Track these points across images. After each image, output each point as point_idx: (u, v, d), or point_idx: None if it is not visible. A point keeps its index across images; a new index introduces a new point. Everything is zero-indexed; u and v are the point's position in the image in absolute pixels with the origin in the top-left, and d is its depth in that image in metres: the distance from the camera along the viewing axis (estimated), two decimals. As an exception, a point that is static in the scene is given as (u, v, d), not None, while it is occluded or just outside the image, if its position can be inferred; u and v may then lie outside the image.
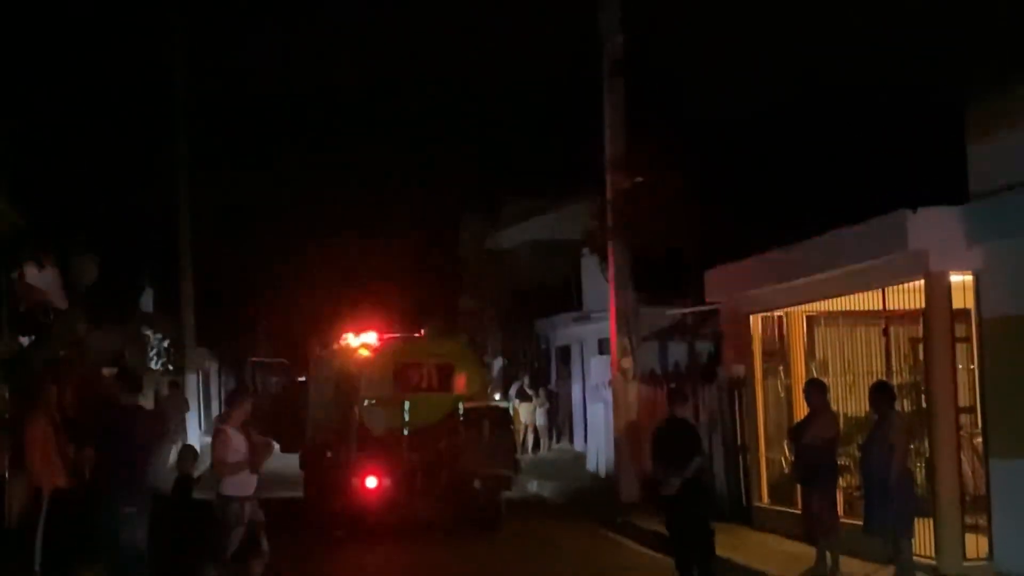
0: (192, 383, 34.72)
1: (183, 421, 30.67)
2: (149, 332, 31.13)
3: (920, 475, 13.36)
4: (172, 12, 32.26)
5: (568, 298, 32.76)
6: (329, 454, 19.85)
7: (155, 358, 30.89)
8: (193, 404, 33.91)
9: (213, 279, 38.27)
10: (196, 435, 34.06)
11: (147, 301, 34.64)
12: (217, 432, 12.55)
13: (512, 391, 32.47)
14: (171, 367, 32.49)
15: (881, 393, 12.73)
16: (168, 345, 32.46)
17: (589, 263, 28.13)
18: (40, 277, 22.42)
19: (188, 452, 14.51)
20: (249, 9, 35.65)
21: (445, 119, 41.41)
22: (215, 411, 49.60)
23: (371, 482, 18.41)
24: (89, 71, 25.25)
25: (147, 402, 22.63)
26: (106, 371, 18.86)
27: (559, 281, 34.14)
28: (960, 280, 13.41)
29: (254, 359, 51.74)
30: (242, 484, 12.19)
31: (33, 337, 19.04)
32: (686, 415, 14.70)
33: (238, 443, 12.11)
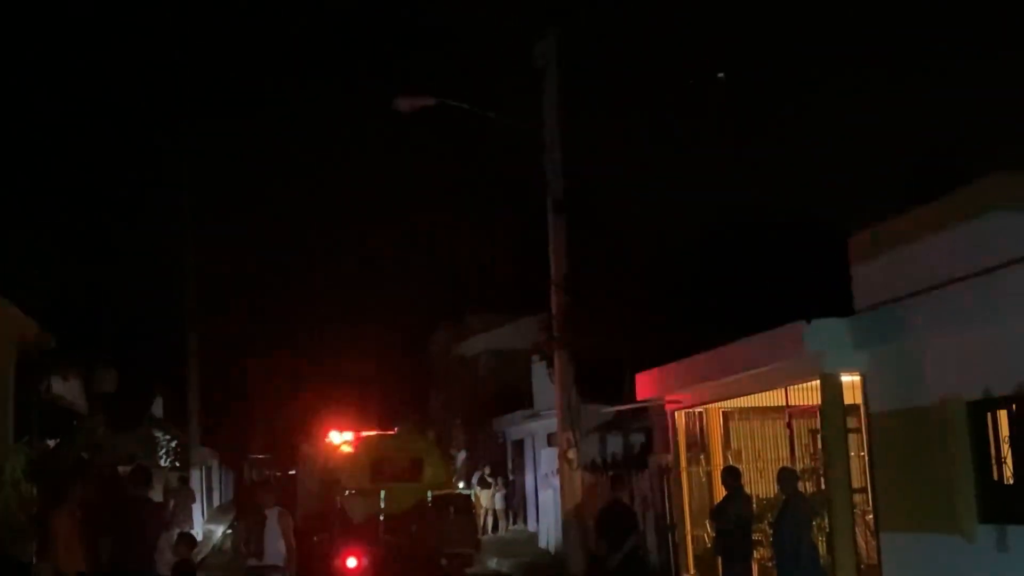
0: (196, 478, 34.30)
1: (191, 512, 30.32)
2: (159, 434, 30.83)
3: (822, 547, 13.38)
4: (182, 154, 32.43)
5: (521, 398, 32.75)
6: (315, 538, 19.62)
7: (164, 456, 30.54)
8: (197, 496, 33.45)
9: (215, 387, 38.07)
10: (200, 523, 33.55)
11: (158, 407, 34.33)
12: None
13: (474, 479, 32.26)
14: (178, 464, 32.12)
15: (787, 477, 12.80)
16: (176, 445, 32.14)
17: (538, 368, 28.24)
18: (65, 387, 22.29)
19: (185, 539, 14.26)
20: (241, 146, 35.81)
21: (417, 245, 41.72)
22: (216, 501, 48.89)
23: (351, 562, 18.21)
24: (107, 204, 25.31)
25: (156, 494, 22.34)
26: (122, 468, 18.65)
27: (514, 384, 34.15)
28: (850, 380, 13.57)
29: (250, 456, 51.24)
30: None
31: (58, 440, 18.86)
32: (624, 498, 14.71)
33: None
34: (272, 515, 12.44)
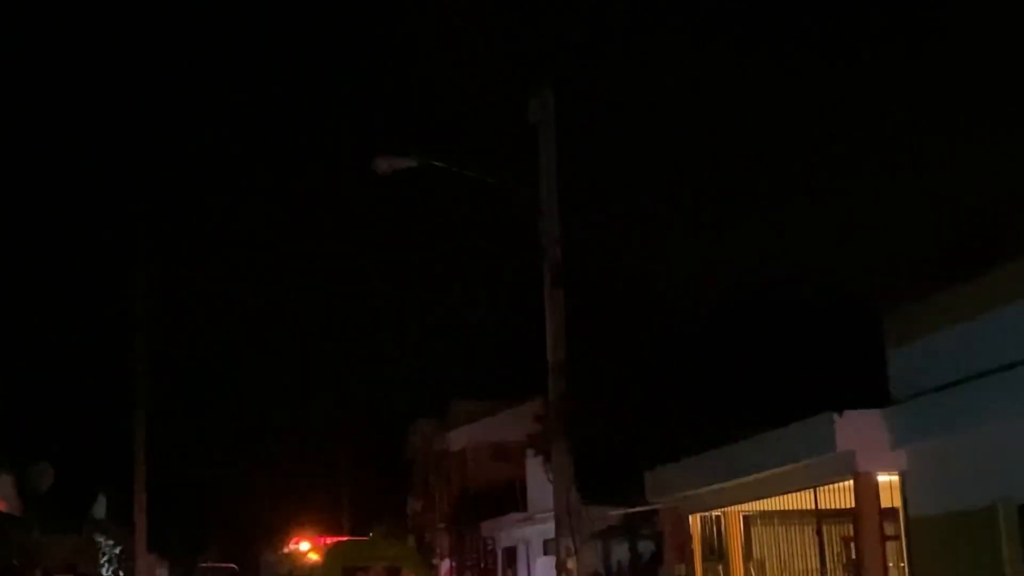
0: (143, 590, 33.88)
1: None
2: (101, 539, 30.51)
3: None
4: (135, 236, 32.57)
5: (514, 499, 32.52)
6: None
7: (107, 565, 30.20)
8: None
9: (166, 486, 37.77)
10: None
11: (100, 508, 34.02)
12: None
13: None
14: (122, 573, 31.76)
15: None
16: (120, 552, 31.78)
17: (533, 464, 28.09)
18: (-6, 486, 22.09)
19: None
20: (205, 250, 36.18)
21: (395, 325, 41.80)
22: (165, 617, 48.24)
23: None
24: (48, 287, 25.36)
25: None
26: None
27: (505, 482, 33.95)
28: (887, 480, 13.49)
29: (204, 564, 50.65)
30: None
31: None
32: None
33: None
34: None
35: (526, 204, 21.05)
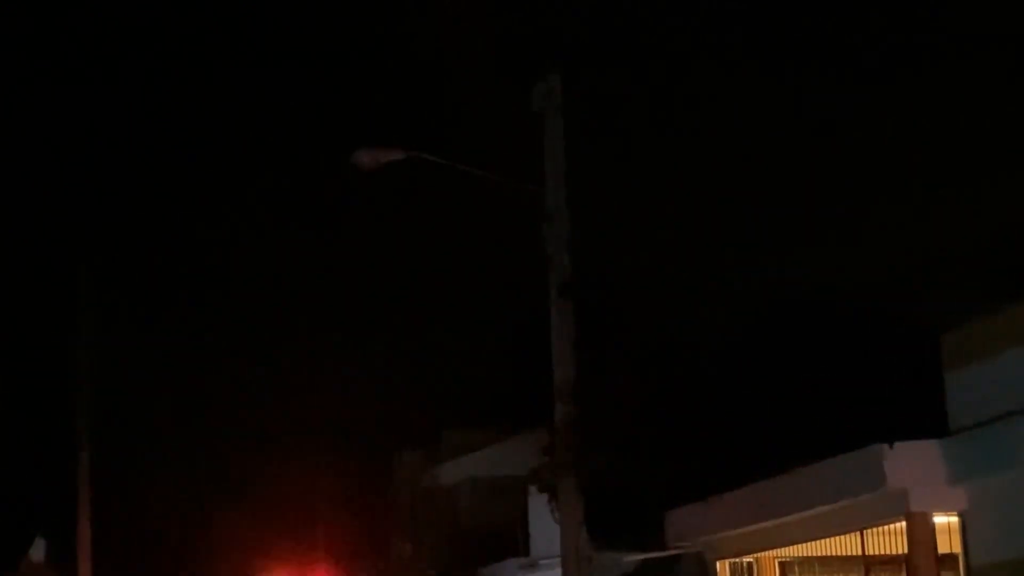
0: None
1: None
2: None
3: None
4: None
5: (514, 542, 32.51)
6: None
7: (46, 617, 30.15)
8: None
9: (115, 524, 37.77)
10: None
11: (38, 551, 33.98)
12: None
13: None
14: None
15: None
16: (61, 601, 31.77)
17: (537, 503, 28.03)
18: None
19: None
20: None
21: (379, 345, 41.84)
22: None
23: None
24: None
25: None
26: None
27: (504, 523, 33.93)
28: (945, 521, 13.49)
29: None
30: None
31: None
32: None
33: None
34: None
35: (530, 204, 21.08)
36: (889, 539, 13.92)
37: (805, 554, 16.31)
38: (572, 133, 20.69)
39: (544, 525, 26.56)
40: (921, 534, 13.37)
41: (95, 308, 33.47)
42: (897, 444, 13.18)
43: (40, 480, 31.84)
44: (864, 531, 14.27)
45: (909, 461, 13.19)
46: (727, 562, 17.52)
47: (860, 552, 14.50)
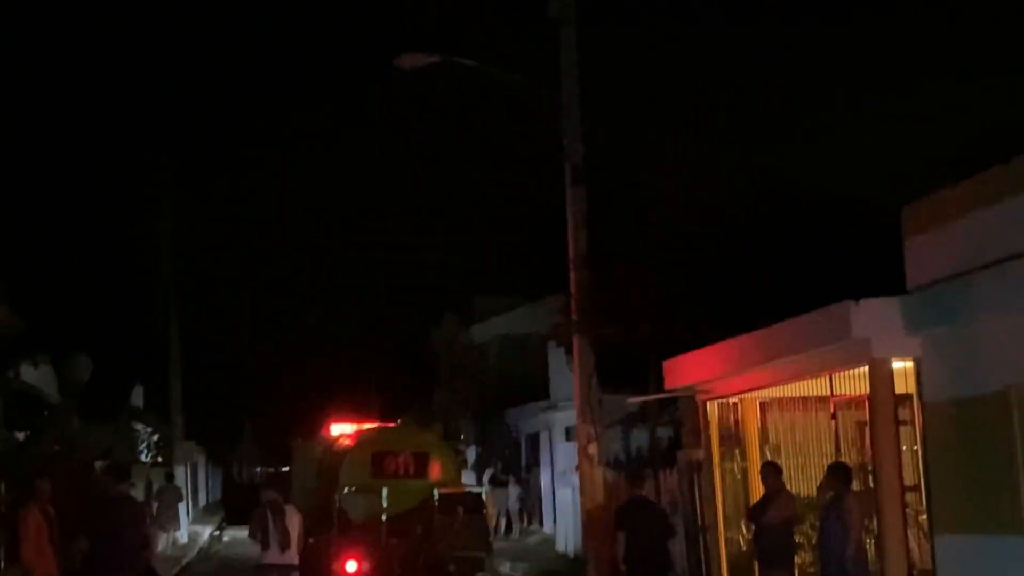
0: (181, 475, 34.38)
1: (177, 512, 30.48)
2: (139, 427, 30.88)
3: (871, 550, 13.27)
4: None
5: (536, 389, 32.70)
6: (311, 539, 19.58)
7: (145, 451, 30.62)
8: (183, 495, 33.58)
9: (201, 375, 38.15)
10: (185, 524, 33.64)
11: (137, 398, 34.44)
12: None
13: (485, 477, 32.24)
14: (160, 459, 32.20)
15: (838, 474, 12.69)
16: (157, 439, 32.21)
17: (556, 355, 28.16)
18: (35, 375, 22.29)
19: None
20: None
21: (420, 223, 41.73)
22: (203, 501, 49.09)
23: (351, 566, 18.19)
24: (81, 181, 25.35)
25: (138, 493, 22.34)
26: (97, 464, 18.65)
27: (528, 373, 34.11)
28: (902, 366, 13.43)
29: (239, 451, 51.39)
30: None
31: (28, 432, 18.86)
32: (647, 494, 14.75)
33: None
34: (290, 511, 12.68)
35: (548, 103, 20.82)
36: (853, 382, 13.88)
37: (782, 395, 16.29)
38: (585, 35, 20.37)
39: (561, 374, 26.75)
40: (881, 377, 13.31)
41: (176, 192, 33.47)
42: (862, 300, 13.08)
43: (138, 339, 32.07)
44: (832, 375, 14.21)
45: (872, 315, 13.09)
46: (715, 402, 17.52)
47: (829, 393, 14.47)
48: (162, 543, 27.67)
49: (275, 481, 21.37)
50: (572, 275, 21.08)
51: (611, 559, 19.42)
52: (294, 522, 12.72)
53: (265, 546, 12.32)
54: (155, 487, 29.39)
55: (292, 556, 12.66)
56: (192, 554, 30.52)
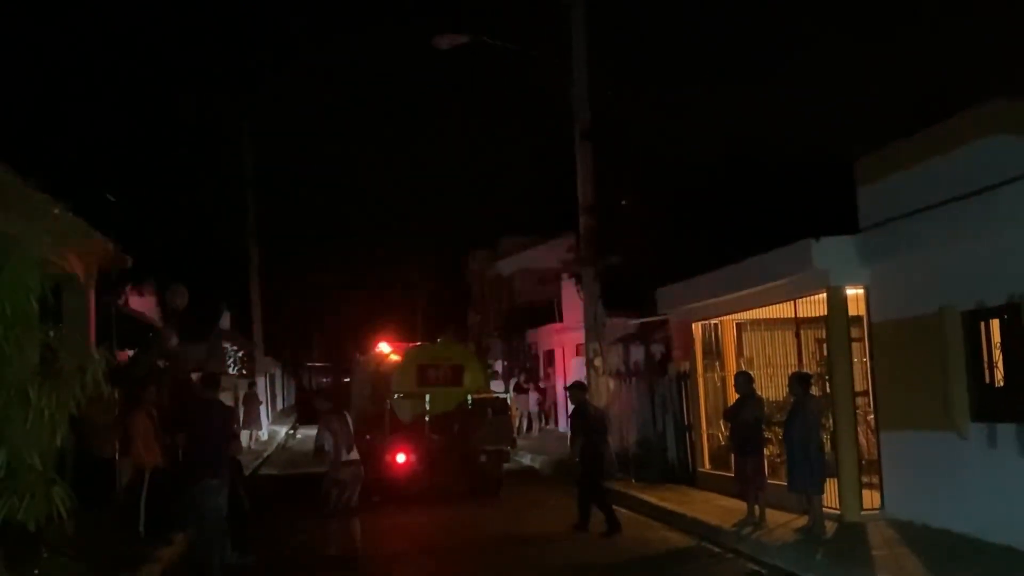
0: (261, 385, 34.70)
1: (259, 414, 30.87)
2: (227, 345, 31.12)
3: (827, 444, 13.35)
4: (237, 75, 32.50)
5: (552, 313, 32.78)
6: (368, 437, 19.79)
7: (232, 365, 30.89)
8: (263, 400, 33.94)
9: (277, 300, 38.37)
10: (265, 424, 34.04)
11: (225, 321, 34.69)
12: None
13: (510, 385, 32.44)
14: (244, 372, 32.48)
15: (800, 380, 12.75)
16: (242, 355, 32.45)
17: (568, 286, 28.16)
18: (141, 303, 22.46)
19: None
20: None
21: (459, 174, 41.60)
22: (280, 406, 49.58)
23: (401, 458, 18.37)
24: (178, 144, 25.28)
25: (226, 398, 22.57)
26: (193, 375, 18.84)
27: (545, 300, 34.18)
28: (854, 292, 13.42)
29: (309, 364, 51.64)
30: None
31: (136, 349, 19.04)
32: (585, 400, 15.13)
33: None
34: (343, 417, 12.54)
35: (560, 73, 20.63)
36: (814, 306, 13.87)
37: (754, 317, 16.29)
38: (592, 18, 20.13)
39: (572, 301, 26.77)
40: (837, 301, 13.31)
41: (255, 140, 33.28)
42: (822, 238, 13.05)
43: (226, 268, 32.18)
44: (796, 300, 14.21)
45: (830, 250, 13.09)
46: (699, 323, 17.54)
47: (793, 315, 14.48)
48: (246, 440, 28.00)
49: (324, 392, 21.45)
50: (581, 220, 21.04)
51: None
52: (349, 424, 12.60)
53: (337, 450, 12.16)
54: (240, 394, 29.69)
55: (355, 452, 12.61)
56: (271, 448, 30.91)
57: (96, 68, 21.53)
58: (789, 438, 12.52)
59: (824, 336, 13.92)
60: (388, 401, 18.92)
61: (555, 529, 14.48)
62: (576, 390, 15.29)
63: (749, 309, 15.93)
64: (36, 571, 9.37)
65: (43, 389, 7.91)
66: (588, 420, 14.72)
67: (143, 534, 12.74)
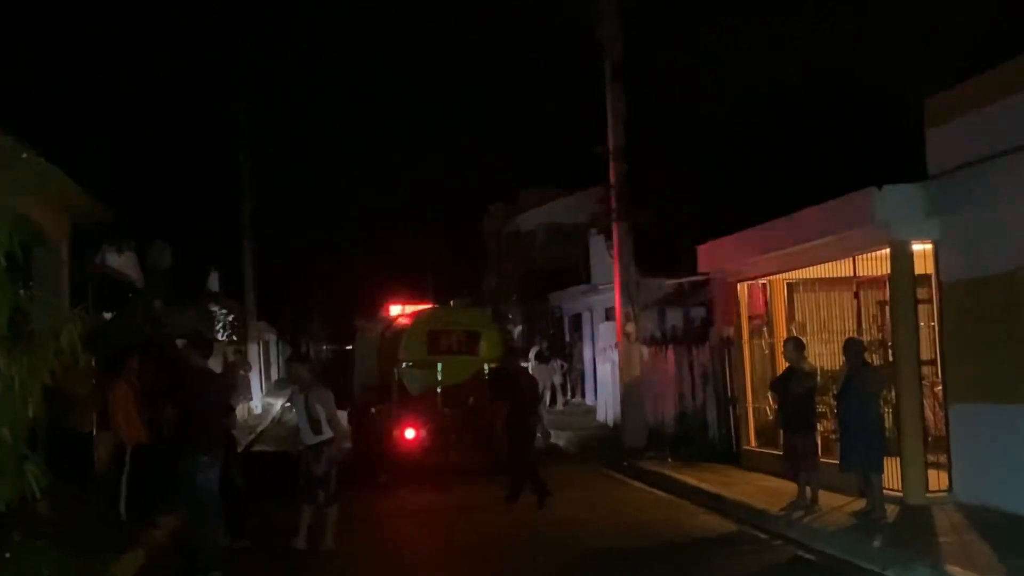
0: (254, 352, 34.80)
1: (248, 384, 30.91)
2: (216, 308, 31.17)
3: (888, 419, 13.25)
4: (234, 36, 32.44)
5: (578, 273, 32.66)
6: (373, 410, 19.83)
7: (221, 330, 30.92)
8: (256, 370, 34.04)
9: (271, 261, 38.39)
10: (259, 396, 34.17)
11: (214, 282, 34.73)
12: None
13: (531, 354, 32.41)
14: (235, 338, 32.53)
15: (852, 348, 12.63)
16: (232, 319, 32.48)
17: (596, 242, 28.00)
18: (120, 261, 22.49)
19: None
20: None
21: (468, 118, 41.40)
22: (274, 376, 49.79)
23: (410, 433, 18.39)
24: (167, 88, 25.22)
25: (214, 366, 22.61)
26: (178, 341, 18.86)
27: (570, 258, 34.05)
28: (921, 248, 13.26)
29: (306, 329, 51.77)
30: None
31: (114, 313, 19.06)
32: (516, 366, 16.35)
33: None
34: (317, 389, 12.28)
35: (588, 10, 20.42)
36: (876, 263, 13.71)
37: (808, 276, 16.13)
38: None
39: (601, 260, 26.61)
40: (901, 258, 13.15)
41: (252, 103, 33.34)
42: (885, 186, 12.87)
43: (215, 228, 32.23)
44: (855, 257, 14.04)
45: (893, 200, 12.90)
46: (745, 284, 17.40)
47: (852, 274, 14.32)
48: (241, 414, 28.13)
49: (304, 357, 21.29)
50: (612, 166, 20.88)
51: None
52: (323, 399, 12.24)
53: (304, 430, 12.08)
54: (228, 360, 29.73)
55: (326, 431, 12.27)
56: (266, 422, 31.05)
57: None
58: (843, 412, 12.43)
59: (887, 298, 13.77)
60: (396, 371, 18.93)
61: (583, 513, 14.46)
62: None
63: (802, 267, 15.77)
64: (7, 555, 9.39)
65: (12, 355, 7.88)
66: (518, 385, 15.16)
67: (124, 515, 12.78)
